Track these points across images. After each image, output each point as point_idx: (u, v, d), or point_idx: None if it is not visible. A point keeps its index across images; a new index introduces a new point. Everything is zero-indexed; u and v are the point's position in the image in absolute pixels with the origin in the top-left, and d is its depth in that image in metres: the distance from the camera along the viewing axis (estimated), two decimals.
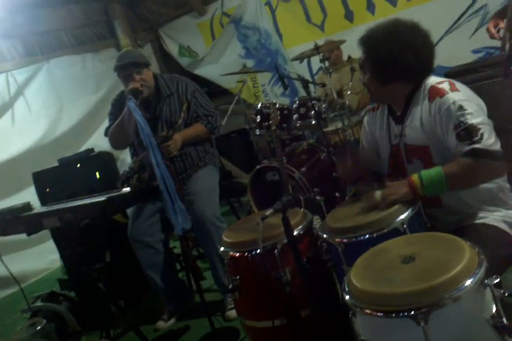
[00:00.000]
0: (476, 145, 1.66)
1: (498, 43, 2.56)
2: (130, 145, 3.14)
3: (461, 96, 1.76)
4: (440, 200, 1.91)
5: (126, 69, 2.95)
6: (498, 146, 1.70)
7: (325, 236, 1.86)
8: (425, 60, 1.88)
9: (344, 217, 1.90)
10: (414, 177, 1.76)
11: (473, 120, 1.69)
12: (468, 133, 1.68)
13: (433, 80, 1.88)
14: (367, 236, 1.71)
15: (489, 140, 1.68)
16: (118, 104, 3.12)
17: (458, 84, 1.84)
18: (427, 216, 1.89)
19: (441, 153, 1.83)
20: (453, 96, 1.76)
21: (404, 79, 1.89)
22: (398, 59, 1.82)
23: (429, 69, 1.91)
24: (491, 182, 1.85)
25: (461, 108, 1.72)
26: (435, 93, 1.81)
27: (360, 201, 2.00)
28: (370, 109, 2.20)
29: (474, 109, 1.73)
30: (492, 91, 3.43)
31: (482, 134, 1.67)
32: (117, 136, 3.07)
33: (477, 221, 1.86)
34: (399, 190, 1.79)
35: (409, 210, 1.76)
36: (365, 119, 2.23)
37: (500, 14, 2.58)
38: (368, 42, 1.90)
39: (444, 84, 1.83)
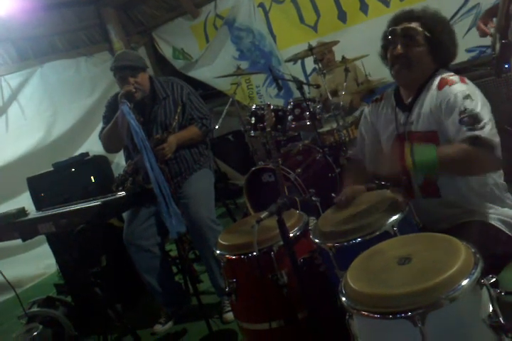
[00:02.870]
0: (477, 132, 1.67)
1: (490, 40, 2.57)
2: (124, 148, 3.13)
3: (470, 89, 1.80)
4: (439, 191, 1.91)
5: (122, 71, 2.93)
6: (498, 139, 1.71)
7: (316, 240, 1.85)
8: (457, 51, 2.00)
9: (335, 221, 1.89)
10: (408, 155, 1.70)
11: (479, 110, 1.71)
12: (472, 119, 1.70)
13: (444, 73, 1.92)
14: (358, 240, 1.71)
15: (492, 130, 1.69)
16: (112, 107, 3.10)
17: (467, 79, 1.87)
18: (422, 210, 1.89)
19: (448, 140, 1.83)
20: (462, 86, 1.80)
21: (439, 60, 1.94)
22: (452, 40, 1.95)
23: (452, 61, 2.01)
24: (488, 178, 1.87)
25: (468, 96, 1.75)
26: (445, 82, 1.85)
27: (351, 203, 2.00)
28: (373, 100, 2.19)
29: (481, 102, 1.76)
30: (486, 90, 3.44)
31: (485, 124, 1.69)
32: (110, 140, 3.06)
33: (472, 219, 1.85)
34: (390, 165, 1.76)
35: (400, 212, 1.75)
36: (367, 110, 2.21)
37: (491, 12, 2.58)
38: (434, 17, 1.94)
39: (454, 77, 1.87)
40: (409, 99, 1.97)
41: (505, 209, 1.89)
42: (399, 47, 1.91)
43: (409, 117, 1.95)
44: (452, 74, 1.91)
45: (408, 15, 1.94)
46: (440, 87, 1.86)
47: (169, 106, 3.07)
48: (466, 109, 1.72)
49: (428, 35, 1.88)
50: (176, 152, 3.00)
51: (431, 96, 1.88)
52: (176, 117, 2.98)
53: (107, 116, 3.13)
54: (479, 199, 1.88)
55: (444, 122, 1.80)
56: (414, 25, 1.90)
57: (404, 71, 1.92)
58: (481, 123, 1.68)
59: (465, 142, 1.68)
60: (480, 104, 1.74)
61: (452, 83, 1.82)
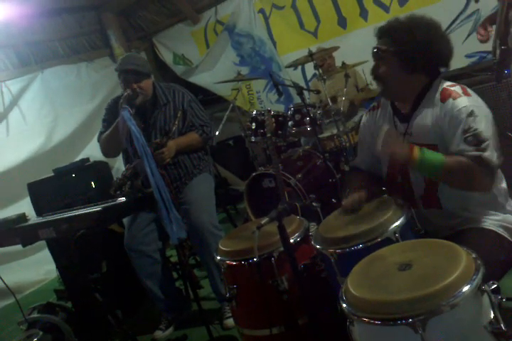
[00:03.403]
0: (480, 153, 1.69)
1: (490, 46, 2.57)
2: (123, 152, 3.13)
3: (473, 102, 1.78)
4: (439, 202, 1.91)
5: (126, 75, 2.94)
6: (498, 161, 1.73)
7: (318, 246, 1.85)
8: (450, 54, 1.91)
9: (336, 227, 1.88)
10: (416, 150, 1.74)
11: (483, 128, 1.72)
12: (476, 139, 1.71)
13: (445, 83, 1.90)
14: (359, 246, 1.70)
15: (493, 153, 1.71)
16: (112, 110, 3.10)
17: (469, 90, 1.85)
18: (422, 219, 1.88)
19: (449, 153, 1.83)
20: (466, 101, 1.77)
21: (427, 70, 1.89)
22: (433, 47, 1.84)
23: (448, 65, 1.94)
24: None
25: (472, 113, 1.73)
26: (448, 95, 1.82)
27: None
28: (371, 108, 2.18)
29: (485, 118, 1.75)
30: (486, 95, 3.45)
31: (488, 145, 1.70)
32: (109, 144, 3.06)
33: (474, 225, 1.85)
34: (399, 148, 1.78)
35: (402, 218, 1.75)
36: (364, 119, 2.21)
37: (490, 19, 2.59)
38: (401, 28, 1.87)
39: (456, 88, 1.85)
40: (408, 109, 1.96)
41: (507, 216, 1.88)
42: (372, 68, 1.96)
43: (408, 128, 1.94)
44: (454, 84, 1.88)
45: (378, 33, 1.94)
46: (443, 99, 1.83)
47: (169, 112, 3.07)
48: (470, 128, 1.72)
49: (394, 49, 1.86)
50: (175, 157, 3.01)
51: (434, 109, 1.85)
52: (176, 122, 2.98)
53: (107, 119, 3.12)
54: (481, 207, 1.88)
55: (447, 137, 1.80)
56: (382, 41, 1.91)
57: (381, 90, 1.97)
58: (484, 144, 1.70)
59: (471, 159, 1.70)
60: (484, 120, 1.73)
61: (456, 96, 1.79)
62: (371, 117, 2.16)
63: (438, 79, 1.91)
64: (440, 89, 1.87)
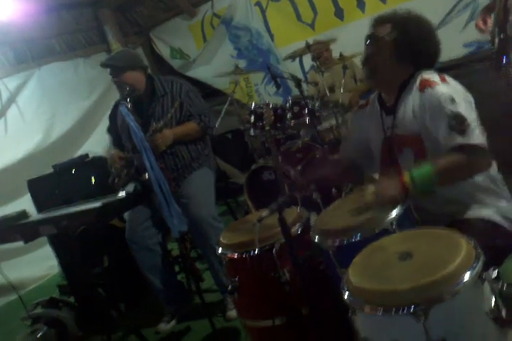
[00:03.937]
0: (466, 141, 1.69)
1: (489, 37, 2.57)
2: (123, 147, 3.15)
3: (452, 89, 1.79)
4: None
5: (108, 69, 3.03)
6: (485, 141, 1.73)
7: (316, 239, 1.85)
8: (437, 52, 1.93)
9: (334, 219, 1.88)
10: (406, 178, 1.74)
11: (464, 112, 1.72)
12: (459, 123, 1.70)
13: (424, 73, 1.90)
14: (357, 238, 1.70)
15: (479, 135, 1.71)
16: (112, 117, 3.22)
17: (447, 77, 1.86)
18: (419, 208, 1.88)
19: (433, 142, 1.82)
20: (444, 88, 1.78)
21: (415, 62, 1.91)
22: (426, 41, 1.89)
23: (435, 62, 1.95)
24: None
25: (452, 100, 1.73)
26: (426, 84, 1.83)
27: (350, 200, 1.99)
28: (360, 106, 2.20)
29: (465, 103, 1.76)
30: (484, 84, 3.44)
31: (473, 128, 1.70)
32: None
33: (470, 215, 1.85)
34: (391, 191, 1.77)
35: (398, 209, 1.74)
36: (353, 116, 2.23)
37: (489, 9, 2.58)
38: (399, 19, 1.91)
39: (434, 76, 1.86)
40: (392, 102, 1.96)
41: (502, 202, 1.89)
42: (364, 55, 1.97)
43: (394, 120, 1.94)
44: (432, 72, 1.90)
45: (378, 20, 1.95)
46: (421, 88, 1.84)
47: (167, 103, 3.07)
48: (452, 113, 1.72)
49: (397, 36, 1.87)
50: (173, 147, 3.00)
51: (412, 98, 1.87)
52: (173, 110, 2.94)
53: (110, 128, 3.22)
54: (476, 194, 1.88)
55: (431, 126, 1.79)
56: (379, 28, 1.92)
57: (368, 76, 2.00)
58: (470, 127, 1.70)
59: (457, 151, 1.70)
60: (463, 105, 1.74)
61: (434, 84, 1.80)
62: (360, 114, 2.18)
63: (419, 70, 1.92)
64: (419, 79, 1.88)
